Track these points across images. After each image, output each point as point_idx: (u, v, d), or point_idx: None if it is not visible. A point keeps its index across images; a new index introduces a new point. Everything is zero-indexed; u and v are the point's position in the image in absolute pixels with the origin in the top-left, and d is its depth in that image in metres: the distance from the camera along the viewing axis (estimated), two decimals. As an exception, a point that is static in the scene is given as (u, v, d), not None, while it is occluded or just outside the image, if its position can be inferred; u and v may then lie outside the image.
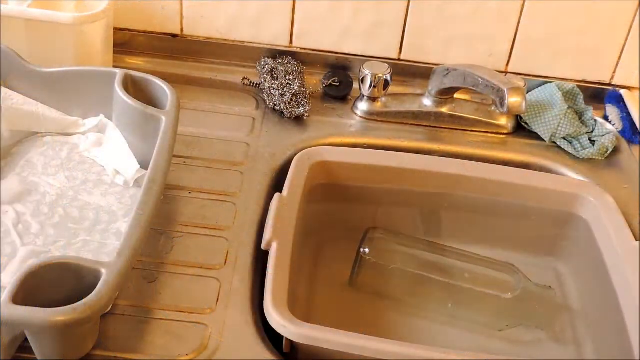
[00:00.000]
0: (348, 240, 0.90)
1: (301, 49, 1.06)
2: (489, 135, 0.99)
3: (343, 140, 0.95)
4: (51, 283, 0.61)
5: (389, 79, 0.97)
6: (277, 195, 0.81)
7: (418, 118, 0.99)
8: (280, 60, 1.04)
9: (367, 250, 0.85)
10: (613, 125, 1.01)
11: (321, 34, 1.04)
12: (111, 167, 0.82)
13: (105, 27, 0.94)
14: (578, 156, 0.96)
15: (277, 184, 0.86)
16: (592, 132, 0.99)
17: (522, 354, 0.83)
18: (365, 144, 0.95)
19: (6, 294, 0.58)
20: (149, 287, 0.72)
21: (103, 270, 0.61)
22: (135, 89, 0.83)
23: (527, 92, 1.02)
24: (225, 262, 0.76)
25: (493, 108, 0.99)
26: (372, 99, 0.99)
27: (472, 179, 0.90)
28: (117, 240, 0.74)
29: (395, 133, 0.97)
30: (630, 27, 1.01)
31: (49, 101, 0.86)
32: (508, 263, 0.86)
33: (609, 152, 0.96)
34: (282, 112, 0.97)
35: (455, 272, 0.85)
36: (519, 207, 0.90)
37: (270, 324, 0.68)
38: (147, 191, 0.69)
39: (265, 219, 0.79)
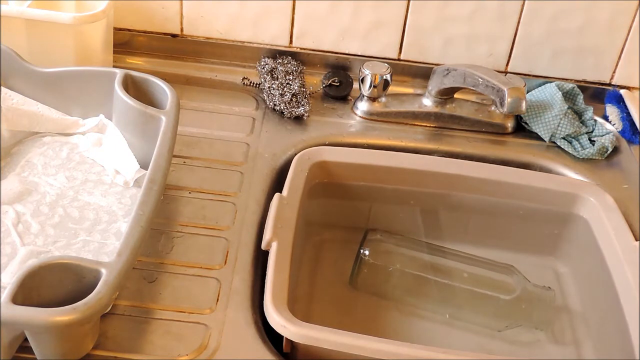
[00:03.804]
0: (348, 240, 0.90)
1: (301, 49, 1.06)
2: (489, 135, 0.99)
3: (343, 140, 0.95)
4: (51, 283, 0.61)
5: (389, 79, 0.97)
6: (277, 195, 0.81)
7: (418, 118, 0.99)
8: (280, 60, 1.04)
9: (367, 252, 0.85)
10: (613, 125, 1.01)
11: (321, 34, 1.04)
12: (111, 167, 0.82)
13: (105, 27, 0.94)
14: (578, 156, 0.96)
15: (277, 184, 0.86)
16: (592, 132, 0.99)
17: (521, 354, 0.83)
18: (365, 144, 0.95)
19: (6, 294, 0.58)
20: (149, 287, 0.72)
21: (103, 270, 0.61)
22: (135, 89, 0.83)
23: (527, 92, 1.02)
24: (225, 262, 0.76)
25: (493, 108, 1.00)
26: (372, 99, 0.99)
27: (472, 179, 0.90)
28: (117, 240, 0.74)
29: (395, 133, 0.97)
30: (630, 27, 1.01)
31: (49, 101, 0.86)
32: (507, 264, 0.86)
33: (608, 152, 0.96)
34: (282, 112, 0.97)
35: (455, 273, 0.85)
36: (519, 207, 0.90)
37: (270, 324, 0.68)
38: (147, 191, 0.69)
39: (265, 219, 0.79)
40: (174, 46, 1.06)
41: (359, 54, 1.06)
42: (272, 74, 1.01)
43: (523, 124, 1.00)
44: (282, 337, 0.68)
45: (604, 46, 1.03)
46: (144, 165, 0.79)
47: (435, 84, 0.97)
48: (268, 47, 1.06)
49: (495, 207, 0.91)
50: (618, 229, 0.83)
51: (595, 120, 1.00)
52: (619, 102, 1.04)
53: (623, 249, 0.81)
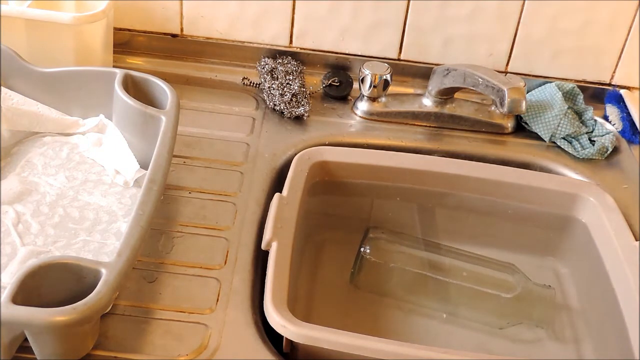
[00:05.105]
0: (348, 239, 0.90)
1: (301, 49, 1.06)
2: (489, 135, 0.99)
3: (343, 140, 0.95)
4: (51, 283, 0.61)
5: (389, 79, 0.97)
6: (277, 195, 0.81)
7: (418, 118, 0.99)
8: (280, 60, 1.04)
9: (367, 249, 0.85)
10: (613, 125, 1.01)
11: (321, 34, 1.04)
12: (111, 167, 0.82)
13: (105, 27, 0.94)
14: (578, 156, 0.96)
15: (277, 184, 0.86)
16: (592, 132, 0.99)
17: (522, 352, 0.83)
18: (365, 144, 0.95)
19: (6, 294, 0.58)
20: (149, 287, 0.72)
21: (103, 270, 0.61)
22: (135, 89, 0.83)
23: (527, 92, 1.02)
24: (225, 262, 0.76)
25: (493, 108, 1.00)
26: (372, 99, 0.99)
27: (472, 179, 0.90)
28: (117, 240, 0.74)
29: (395, 133, 0.97)
30: (630, 27, 1.01)
31: (49, 101, 0.86)
32: (508, 262, 0.86)
33: (609, 152, 0.96)
34: (282, 112, 0.97)
35: (456, 271, 0.85)
36: (519, 207, 0.90)
37: (270, 324, 0.68)
38: (147, 191, 0.69)
39: (265, 219, 0.79)
40: (174, 46, 1.06)
41: (359, 54, 1.06)
42: (272, 74, 1.01)
43: (523, 124, 1.00)
44: (282, 337, 0.68)
45: (604, 46, 1.03)
46: (144, 165, 0.79)
47: (435, 84, 0.97)
48: (268, 47, 1.06)
49: (495, 207, 0.91)
50: (618, 229, 0.83)
51: (595, 120, 1.00)
52: (619, 102, 1.04)
53: (623, 249, 0.81)
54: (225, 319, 0.70)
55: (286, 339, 0.68)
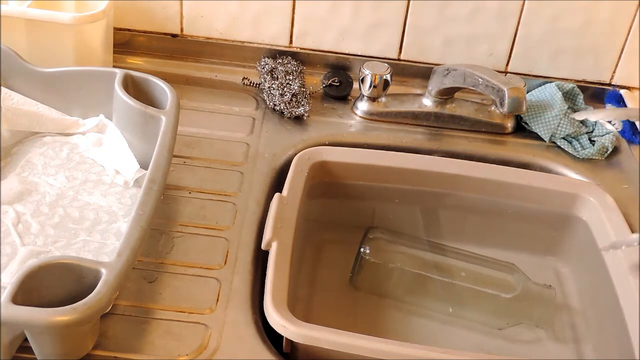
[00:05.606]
0: (348, 240, 0.90)
1: (301, 49, 1.06)
2: (489, 135, 0.99)
3: (343, 140, 0.95)
4: (51, 283, 0.61)
5: (389, 79, 0.97)
6: (277, 195, 0.81)
7: (418, 118, 0.99)
8: (280, 60, 1.04)
9: (367, 250, 0.85)
10: (613, 125, 1.01)
11: (321, 34, 1.04)
12: (111, 167, 0.82)
13: (105, 27, 0.94)
14: (578, 156, 0.96)
15: (277, 184, 0.86)
16: (592, 132, 0.99)
17: (522, 352, 0.83)
18: (365, 144, 0.95)
19: (6, 294, 0.58)
20: (149, 287, 0.72)
21: (103, 270, 0.61)
22: (135, 89, 0.83)
23: (527, 92, 1.02)
24: (225, 262, 0.76)
25: (493, 108, 1.00)
26: (372, 99, 0.99)
27: (472, 179, 0.90)
28: (117, 240, 0.74)
29: (395, 133, 0.97)
30: (630, 27, 1.01)
31: (49, 101, 0.86)
32: (508, 262, 0.87)
33: (608, 152, 0.96)
34: (282, 112, 0.97)
35: (455, 271, 0.85)
36: (519, 207, 0.90)
37: (270, 324, 0.68)
38: (147, 191, 0.69)
39: (265, 219, 0.79)
40: (174, 46, 1.06)
41: (359, 54, 1.06)
42: (272, 74, 1.01)
43: (523, 124, 1.00)
44: (282, 337, 0.68)
45: (604, 46, 1.03)
46: (144, 165, 0.79)
47: (435, 84, 0.97)
48: (268, 47, 1.06)
49: (496, 207, 0.91)
50: (618, 229, 0.83)
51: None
52: (619, 102, 1.04)
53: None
54: (225, 319, 0.70)
55: (286, 339, 0.68)
